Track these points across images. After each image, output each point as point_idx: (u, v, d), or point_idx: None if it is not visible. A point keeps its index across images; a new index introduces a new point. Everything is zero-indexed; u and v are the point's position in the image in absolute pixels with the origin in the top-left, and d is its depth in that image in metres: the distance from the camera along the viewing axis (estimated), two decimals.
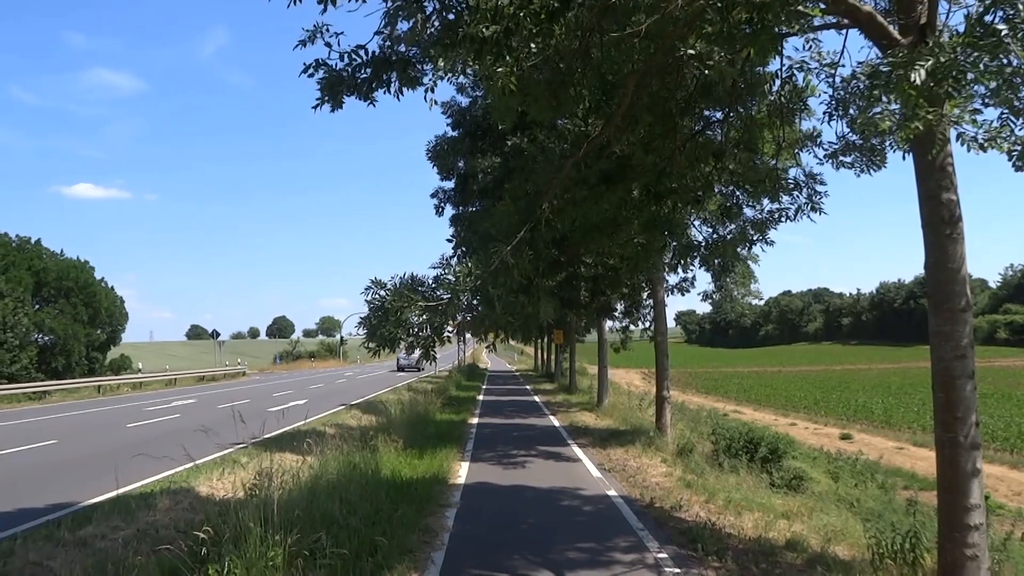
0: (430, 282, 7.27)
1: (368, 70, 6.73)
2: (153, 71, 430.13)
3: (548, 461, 14.61)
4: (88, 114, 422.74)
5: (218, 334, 69.94)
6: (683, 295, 20.58)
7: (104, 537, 8.31)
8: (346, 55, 6.72)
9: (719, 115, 9.10)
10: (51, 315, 40.99)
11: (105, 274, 56.96)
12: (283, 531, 6.26)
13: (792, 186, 9.05)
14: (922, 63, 4.26)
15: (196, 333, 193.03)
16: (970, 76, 4.42)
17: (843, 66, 7.28)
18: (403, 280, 7.20)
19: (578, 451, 15.87)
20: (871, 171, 8.09)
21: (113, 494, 9.81)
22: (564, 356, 42.45)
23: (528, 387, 42.62)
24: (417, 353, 7.80)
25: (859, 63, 6.89)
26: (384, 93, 7.01)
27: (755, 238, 10.41)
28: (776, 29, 6.10)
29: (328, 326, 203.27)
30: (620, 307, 25.96)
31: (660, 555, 7.76)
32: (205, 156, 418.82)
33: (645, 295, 23.22)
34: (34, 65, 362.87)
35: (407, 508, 9.19)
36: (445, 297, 7.12)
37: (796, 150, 9.20)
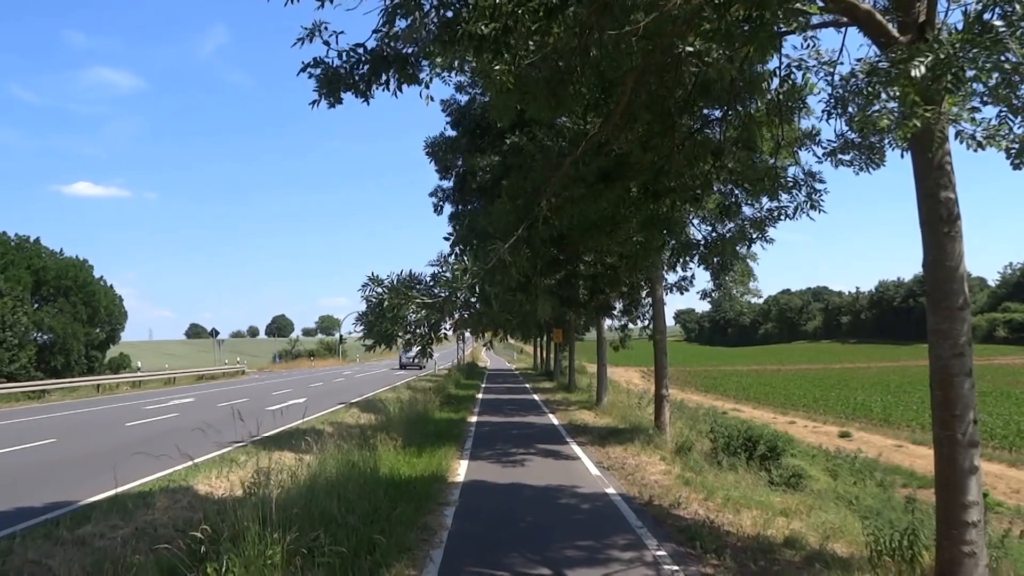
0: (428, 280, 7.26)
1: (366, 67, 6.72)
2: (153, 70, 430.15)
3: (547, 459, 14.61)
4: (88, 113, 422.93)
5: (217, 333, 70.01)
6: (682, 294, 20.64)
7: (103, 536, 8.31)
8: (344, 53, 6.72)
9: (718, 113, 9.10)
10: (50, 314, 40.96)
11: (104, 273, 57.09)
12: (281, 529, 6.26)
13: (791, 184, 9.05)
14: (921, 59, 4.26)
15: (195, 332, 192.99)
16: (969, 73, 4.42)
17: (842, 64, 7.28)
18: (401, 278, 7.19)
19: (577, 449, 15.87)
20: (870, 169, 8.08)
21: (112, 493, 9.81)
22: (563, 354, 42.45)
23: (527, 385, 42.64)
24: (415, 350, 7.79)
25: (858, 61, 6.90)
26: (383, 91, 7.01)
27: (754, 236, 10.40)
28: (774, 27, 6.09)
29: (327, 325, 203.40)
30: (619, 305, 25.97)
31: (659, 553, 7.76)
32: (205, 155, 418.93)
33: (644, 293, 23.21)
34: (34, 64, 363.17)
35: (406, 506, 9.19)
36: (442, 295, 7.12)
37: (795, 148, 9.19)
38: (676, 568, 7.21)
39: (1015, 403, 40.45)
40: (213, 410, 22.53)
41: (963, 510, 5.60)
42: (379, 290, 7.09)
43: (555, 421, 22.19)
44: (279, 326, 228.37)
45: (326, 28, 6.69)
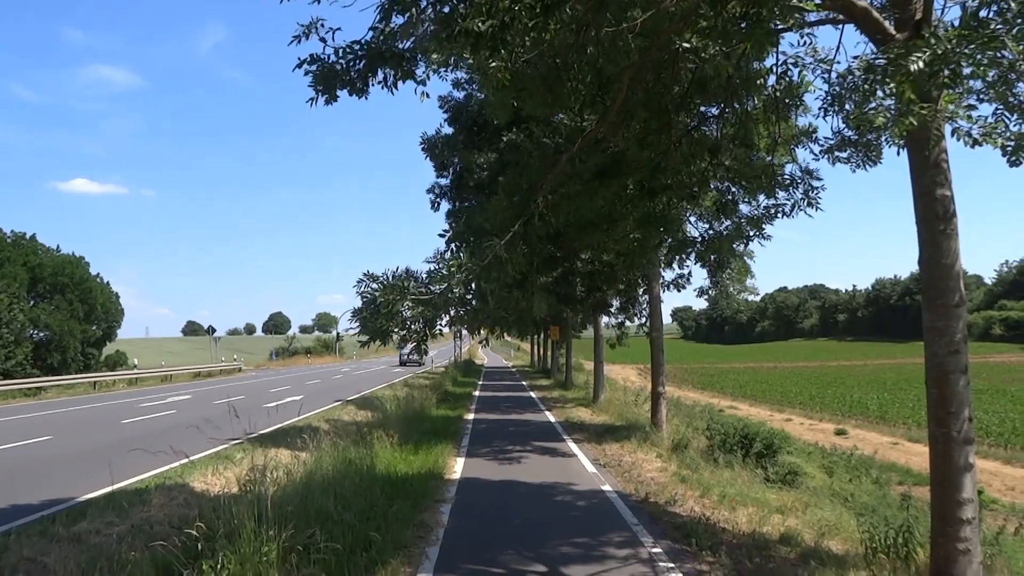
0: (423, 276, 7.26)
1: (362, 63, 6.71)
2: (151, 67, 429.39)
3: (543, 457, 14.62)
4: (85, 110, 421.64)
5: (214, 330, 69.99)
6: (679, 291, 20.65)
7: (98, 533, 8.30)
8: (340, 50, 6.71)
9: (715, 111, 9.08)
10: (46, 311, 40.94)
11: (101, 270, 57.04)
12: (277, 526, 6.26)
13: (788, 182, 9.05)
14: (919, 54, 4.26)
15: (192, 329, 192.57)
16: (967, 70, 4.42)
17: (839, 62, 7.28)
18: (396, 274, 7.19)
19: (573, 447, 15.88)
20: (867, 167, 8.10)
21: (108, 490, 9.81)
22: (560, 352, 42.47)
23: (524, 383, 42.64)
24: (409, 347, 7.79)
25: (854, 58, 6.90)
26: (381, 88, 7.00)
27: (751, 234, 10.41)
28: (771, 24, 6.09)
29: (324, 322, 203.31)
30: (616, 303, 26.00)
31: (654, 550, 7.77)
32: (203, 152, 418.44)
33: (641, 291, 23.22)
34: (32, 61, 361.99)
35: (402, 504, 9.19)
36: (437, 291, 7.12)
37: (792, 146, 9.19)
38: (672, 565, 7.22)
39: (1010, 401, 40.57)
40: (210, 407, 22.51)
41: (958, 507, 5.62)
42: (374, 286, 7.09)
43: (552, 418, 22.20)
44: (276, 323, 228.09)
45: (322, 25, 6.67)
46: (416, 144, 22.14)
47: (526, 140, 15.98)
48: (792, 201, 9.12)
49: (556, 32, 6.69)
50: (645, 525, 8.85)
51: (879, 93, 4.78)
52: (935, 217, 5.74)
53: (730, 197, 10.14)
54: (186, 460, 9.00)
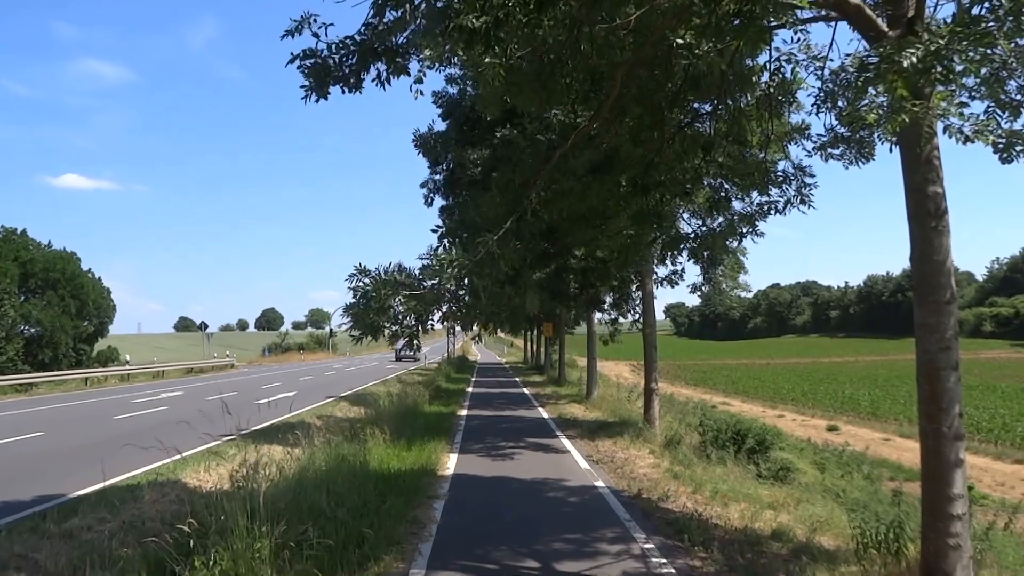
0: (416, 272, 7.25)
1: (355, 59, 6.69)
2: (143, 62, 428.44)
3: (537, 453, 14.63)
4: (77, 105, 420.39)
5: (206, 326, 69.69)
6: (672, 287, 20.66)
7: (90, 529, 8.28)
8: (333, 45, 6.69)
9: (708, 107, 9.09)
10: (38, 307, 40.73)
11: (93, 266, 56.65)
12: (270, 523, 6.25)
13: (781, 179, 9.07)
14: (912, 51, 4.27)
15: (184, 325, 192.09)
16: (959, 68, 4.43)
17: (832, 59, 7.30)
18: (388, 269, 7.17)
19: (566, 443, 15.90)
20: (859, 163, 8.13)
21: (99, 486, 9.78)
22: (553, 348, 42.50)
23: (517, 379, 42.66)
24: (401, 342, 7.77)
25: (847, 55, 6.92)
26: (374, 84, 6.98)
27: (744, 231, 10.43)
28: (764, 21, 6.09)
29: (317, 318, 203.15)
30: (609, 299, 26.01)
31: (647, 546, 7.79)
32: (196, 148, 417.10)
33: (634, 287, 23.25)
34: (23, 55, 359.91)
35: (395, 500, 9.19)
36: (429, 285, 7.11)
37: (785, 143, 9.21)
38: (664, 561, 7.24)
39: (1001, 397, 40.81)
40: (202, 403, 22.36)
41: (948, 503, 5.64)
42: (366, 280, 7.07)
43: (545, 415, 22.22)
44: (269, 320, 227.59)
45: (315, 20, 6.65)
46: (411, 140, 22.03)
47: (519, 136, 15.95)
48: (785, 198, 9.15)
49: (549, 28, 6.69)
50: (638, 521, 8.88)
51: (872, 90, 4.79)
52: (927, 214, 5.75)
53: (723, 194, 10.15)
54: (178, 456, 9.00)
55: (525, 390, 33.29)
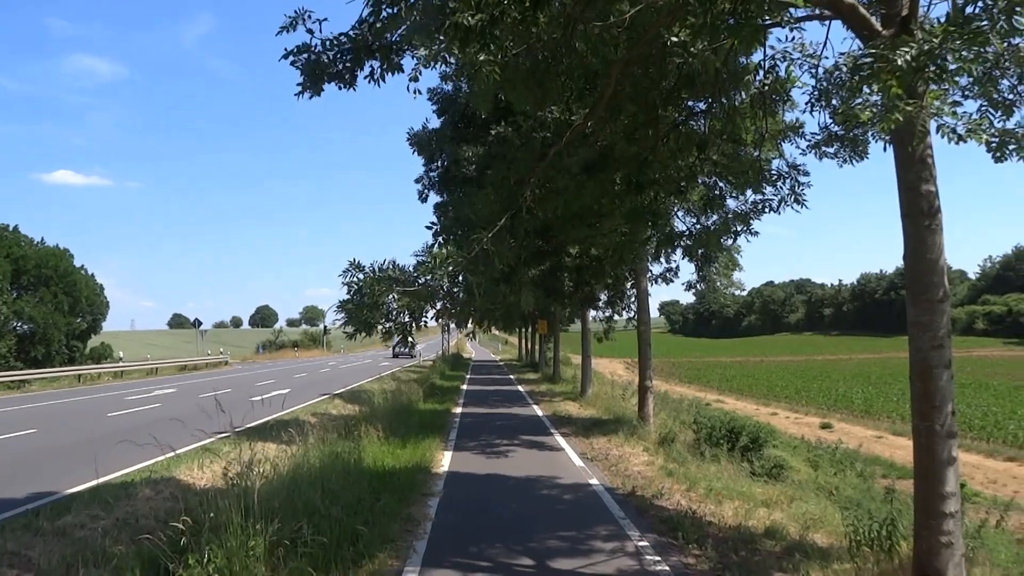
0: (411, 269, 7.25)
1: (349, 56, 6.68)
2: (136, 58, 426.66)
3: (531, 450, 14.64)
4: (69, 101, 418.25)
5: (200, 323, 69.44)
6: (667, 284, 20.64)
7: (83, 526, 8.25)
8: (327, 42, 6.68)
9: (702, 105, 9.10)
10: (30, 303, 40.58)
11: (86, 262, 56.45)
12: (264, 520, 6.24)
13: (775, 177, 9.08)
14: (906, 49, 4.28)
15: (178, 322, 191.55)
16: (952, 67, 4.44)
17: (826, 57, 7.31)
18: (383, 266, 7.17)
19: (561, 440, 15.91)
20: (853, 162, 8.15)
21: (93, 483, 9.75)
22: (548, 346, 42.50)
23: (512, 377, 42.68)
24: (396, 339, 7.77)
25: (841, 54, 6.93)
26: (368, 81, 6.97)
27: (739, 229, 10.43)
28: (759, 20, 6.10)
29: (312, 315, 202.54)
30: (604, 297, 26.02)
31: (641, 543, 7.81)
32: (189, 144, 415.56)
33: (629, 285, 23.25)
34: (14, 51, 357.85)
35: (389, 497, 9.19)
36: (424, 281, 7.11)
37: (779, 141, 9.22)
38: (658, 558, 7.26)
39: (993, 394, 41.00)
40: (196, 400, 22.38)
41: (941, 500, 5.66)
42: (360, 276, 7.07)
43: (539, 412, 22.23)
44: (263, 316, 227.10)
45: (310, 16, 6.64)
46: (406, 137, 21.99)
47: (514, 134, 15.94)
48: (779, 196, 9.16)
49: (544, 26, 6.69)
50: (632, 518, 8.90)
51: (866, 89, 4.80)
52: (920, 212, 5.77)
53: (717, 192, 10.15)
54: (172, 454, 8.95)
55: (520, 387, 33.31)
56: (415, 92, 7.06)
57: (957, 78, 4.64)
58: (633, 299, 22.97)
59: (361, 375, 39.50)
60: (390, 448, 13.21)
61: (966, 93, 5.23)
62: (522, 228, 8.04)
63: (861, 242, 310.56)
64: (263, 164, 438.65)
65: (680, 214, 12.25)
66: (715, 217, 10.72)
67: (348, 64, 6.83)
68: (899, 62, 4.25)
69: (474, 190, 17.34)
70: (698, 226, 11.31)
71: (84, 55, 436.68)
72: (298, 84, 6.87)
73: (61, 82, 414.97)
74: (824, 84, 7.44)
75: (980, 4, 4.34)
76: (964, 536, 6.02)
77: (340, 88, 6.94)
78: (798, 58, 7.46)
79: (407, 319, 7.39)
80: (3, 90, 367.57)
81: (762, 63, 7.82)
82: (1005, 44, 4.37)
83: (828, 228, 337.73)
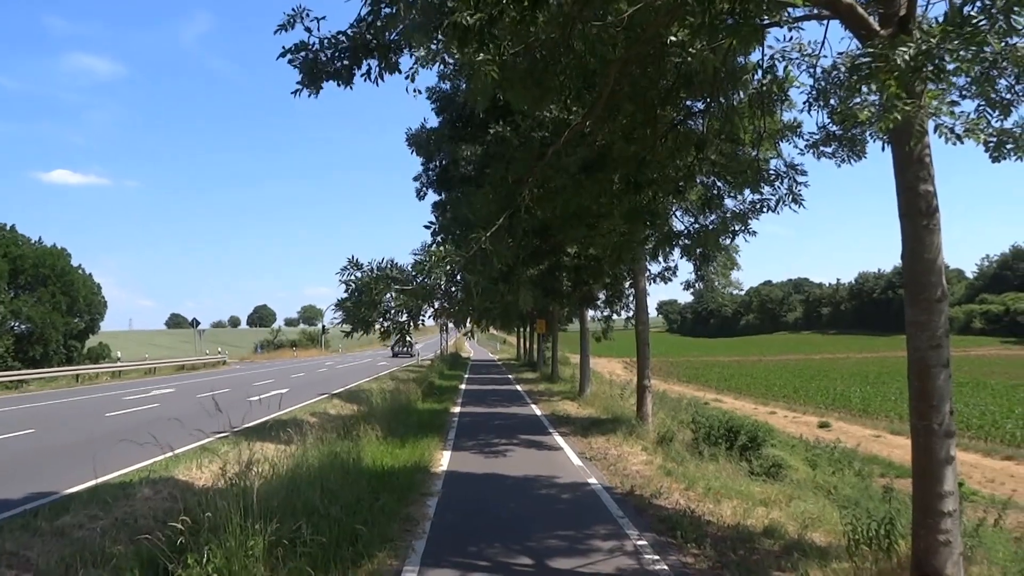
0: (409, 268, 7.24)
1: (347, 55, 6.69)
2: (134, 56, 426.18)
3: (530, 450, 14.65)
4: (67, 99, 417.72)
5: (198, 323, 69.46)
6: (665, 283, 20.68)
7: (82, 526, 8.25)
8: (325, 40, 6.68)
9: (700, 105, 9.11)
10: (28, 303, 40.49)
11: (83, 261, 56.55)
12: (263, 520, 6.24)
13: (773, 177, 9.09)
14: (904, 49, 4.28)
15: (176, 322, 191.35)
16: (950, 67, 4.45)
17: (824, 57, 7.31)
18: (381, 264, 7.16)
19: (560, 440, 15.92)
20: (851, 161, 8.16)
21: (91, 483, 9.75)
22: (546, 345, 42.49)
23: (510, 376, 42.67)
24: (394, 339, 7.75)
25: (839, 54, 6.94)
26: (364, 80, 6.98)
27: (737, 228, 10.43)
28: (758, 19, 6.10)
29: (310, 315, 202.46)
30: (602, 296, 26.04)
31: (639, 542, 7.82)
32: (187, 143, 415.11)
33: (627, 284, 23.26)
34: (12, 49, 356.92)
35: (388, 497, 9.20)
36: (420, 279, 7.10)
37: (777, 140, 9.22)
38: (656, 557, 7.27)
39: (990, 394, 41.04)
40: (194, 400, 22.38)
41: (939, 499, 5.67)
42: (358, 274, 7.07)
43: (538, 412, 22.24)
44: (261, 316, 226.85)
45: (308, 14, 6.64)
46: (405, 136, 21.97)
47: (512, 133, 15.94)
48: (777, 196, 9.17)
49: (543, 25, 6.69)
50: (630, 518, 8.91)
51: (864, 88, 4.80)
52: (918, 212, 5.78)
53: (716, 191, 10.15)
54: (170, 453, 8.95)
55: (518, 387, 33.31)
56: (414, 92, 7.08)
57: (955, 78, 4.65)
58: (631, 298, 22.99)
59: (359, 375, 39.49)
60: (389, 448, 13.22)
61: (964, 93, 5.25)
62: (520, 227, 8.05)
63: (859, 241, 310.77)
64: (262, 163, 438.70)
65: (678, 214, 12.25)
66: (713, 216, 10.72)
67: (346, 63, 6.83)
68: (898, 62, 4.26)
69: (472, 189, 17.33)
70: (696, 225, 11.30)
71: (82, 54, 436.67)
72: (297, 83, 6.87)
73: (59, 81, 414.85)
74: (822, 84, 7.44)
75: (979, 3, 4.35)
76: (962, 535, 6.03)
77: (339, 85, 6.94)
78: (796, 58, 7.46)
79: (405, 318, 7.38)
80: (1, 88, 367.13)
81: (760, 63, 7.82)
82: (1003, 44, 4.38)
83: (826, 227, 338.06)
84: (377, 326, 7.50)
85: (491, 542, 7.83)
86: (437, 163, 22.23)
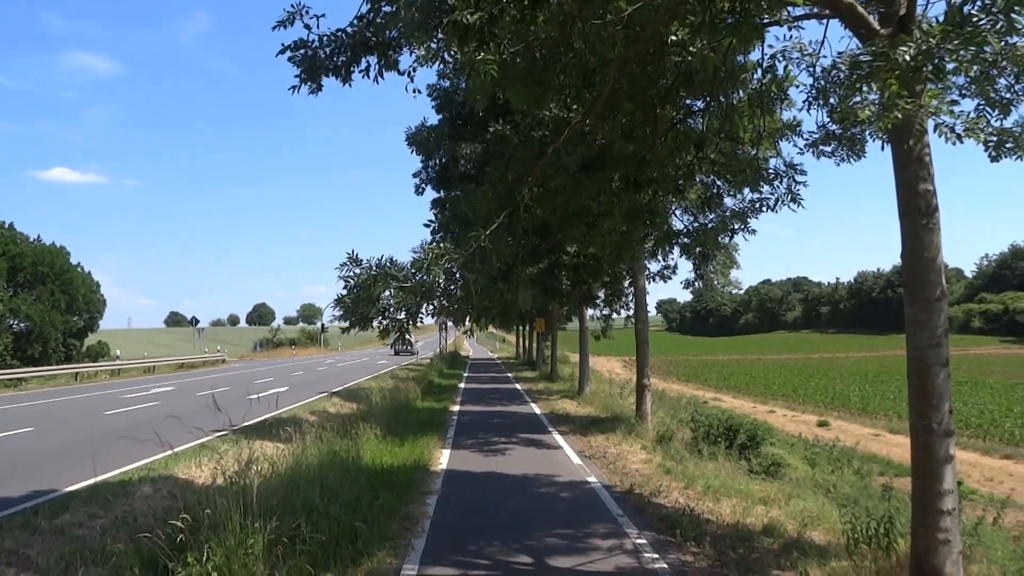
0: (408, 266, 7.24)
1: (347, 53, 6.68)
2: (133, 55, 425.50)
3: (529, 448, 14.66)
4: (65, 97, 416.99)
5: (197, 321, 69.61)
6: (665, 282, 20.69)
7: (82, 525, 8.24)
8: (324, 38, 6.68)
9: (700, 104, 9.11)
10: (27, 301, 40.42)
11: (82, 260, 56.53)
12: (262, 518, 6.24)
13: (772, 176, 9.10)
14: (905, 48, 4.28)
15: (175, 320, 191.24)
16: (950, 66, 4.45)
17: (824, 56, 7.31)
18: (380, 262, 7.16)
19: (559, 438, 15.93)
20: (851, 160, 8.15)
21: (91, 482, 9.75)
22: (546, 344, 42.49)
23: (510, 375, 42.68)
24: (393, 337, 7.74)
25: (839, 53, 6.94)
26: (363, 77, 6.97)
27: (736, 227, 10.44)
28: (758, 18, 6.10)
29: (309, 313, 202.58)
30: (601, 295, 26.04)
31: (639, 541, 7.82)
32: (186, 142, 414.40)
33: (627, 283, 23.26)
34: (10, 47, 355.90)
35: (388, 495, 9.20)
36: (419, 277, 7.10)
37: (776, 139, 9.23)
38: (656, 556, 7.27)
39: (989, 392, 41.09)
40: (193, 399, 22.39)
41: (938, 498, 5.68)
42: (357, 270, 7.06)
43: (537, 410, 22.25)
44: (260, 314, 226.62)
45: (307, 11, 6.64)
46: (404, 134, 21.96)
47: (512, 132, 15.93)
48: (776, 195, 9.18)
49: (543, 24, 6.68)
50: (630, 516, 8.91)
51: (864, 87, 4.80)
52: (917, 211, 5.78)
53: (715, 190, 10.16)
54: (170, 452, 8.96)
55: (517, 386, 33.32)
56: (414, 91, 7.07)
57: (954, 77, 4.65)
58: (631, 297, 22.99)
59: (359, 373, 39.50)
60: (388, 446, 13.22)
61: (963, 92, 5.24)
62: (520, 226, 8.04)
63: (858, 240, 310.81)
64: (261, 162, 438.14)
65: (678, 212, 12.25)
66: (713, 215, 10.73)
67: (345, 60, 6.83)
68: (900, 61, 4.26)
69: (472, 188, 17.33)
70: (696, 224, 11.32)
71: (81, 52, 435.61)
72: (295, 76, 6.86)
73: (58, 79, 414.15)
74: (822, 83, 7.44)
75: (979, 2, 4.35)
76: (961, 533, 6.04)
77: (337, 79, 6.94)
78: (796, 57, 7.46)
79: (403, 316, 7.37)
80: (0, 87, 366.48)
81: (760, 62, 7.82)
82: (1003, 43, 4.38)
83: (825, 226, 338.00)
84: (376, 323, 7.49)
85: (490, 540, 7.83)
86: (437, 161, 22.23)
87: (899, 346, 6.76)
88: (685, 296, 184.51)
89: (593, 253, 18.16)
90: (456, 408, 22.61)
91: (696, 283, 16.89)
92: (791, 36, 7.36)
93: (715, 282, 20.66)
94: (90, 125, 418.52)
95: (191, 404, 19.83)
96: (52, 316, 41.31)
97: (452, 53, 6.61)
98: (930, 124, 5.06)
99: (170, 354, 61.34)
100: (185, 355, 56.55)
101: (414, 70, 6.96)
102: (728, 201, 10.41)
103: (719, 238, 10.99)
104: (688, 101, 9.19)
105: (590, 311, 28.62)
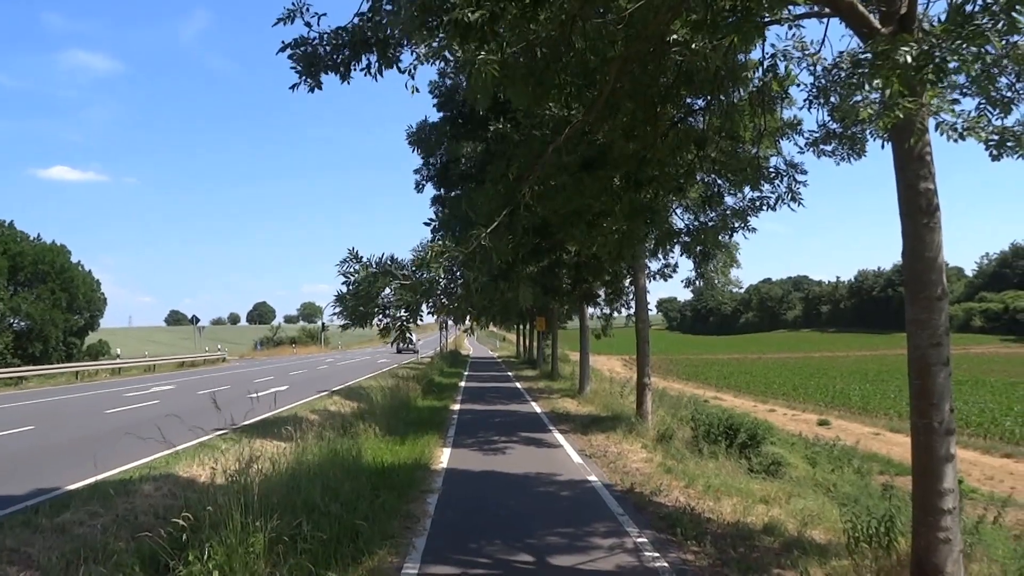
0: (409, 264, 7.23)
1: (347, 50, 6.68)
2: (133, 54, 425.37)
3: (529, 447, 14.66)
4: (65, 96, 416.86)
5: (197, 320, 69.58)
6: (665, 281, 20.70)
7: (82, 523, 8.24)
8: (325, 35, 6.67)
9: (701, 103, 9.10)
10: (27, 300, 40.44)
11: (83, 258, 56.58)
12: (263, 517, 6.24)
13: (773, 175, 9.10)
14: (907, 48, 4.28)
15: (176, 319, 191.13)
16: (952, 65, 4.45)
17: (824, 56, 7.31)
18: (380, 260, 7.16)
19: (559, 437, 15.93)
20: (851, 159, 8.16)
21: (92, 480, 9.76)
22: (546, 343, 42.49)
23: (510, 373, 42.68)
24: (393, 335, 7.74)
25: (840, 53, 6.94)
26: (364, 75, 6.97)
27: (736, 226, 10.44)
28: (759, 17, 6.09)
29: (309, 312, 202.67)
30: (602, 294, 26.05)
31: (640, 540, 7.83)
32: (186, 140, 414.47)
33: (627, 282, 23.26)
34: (10, 46, 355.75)
35: (388, 494, 9.20)
36: (418, 275, 7.09)
37: (777, 138, 9.23)
38: (657, 555, 7.28)
39: (990, 391, 41.09)
40: (194, 397, 22.41)
41: (939, 497, 5.68)
42: (357, 267, 7.06)
43: (538, 409, 22.25)
44: (260, 313, 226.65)
45: (307, 9, 6.64)
46: (404, 132, 21.97)
47: (512, 131, 15.93)
48: (777, 194, 9.18)
49: (544, 23, 6.68)
50: (630, 515, 8.92)
51: (866, 86, 4.80)
52: (918, 210, 5.78)
53: (716, 189, 10.16)
54: (171, 450, 8.97)
55: (518, 384, 33.32)
56: (413, 89, 7.06)
57: (956, 76, 4.65)
58: (631, 296, 22.98)
59: (359, 372, 39.51)
60: (389, 445, 13.23)
61: (964, 91, 5.24)
62: (520, 225, 8.03)
63: (858, 239, 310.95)
64: (261, 160, 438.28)
65: (679, 211, 12.25)
66: (713, 214, 10.74)
67: (345, 58, 6.83)
68: (901, 60, 4.26)
69: (472, 186, 17.34)
70: (696, 223, 11.32)
71: (81, 51, 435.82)
72: (293, 70, 6.86)
73: (58, 78, 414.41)
74: (822, 82, 7.44)
75: (980, 2, 4.34)
76: (962, 532, 6.04)
77: (336, 75, 6.93)
78: (797, 56, 7.46)
79: (404, 313, 7.36)
80: (0, 86, 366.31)
81: (761, 61, 7.81)
82: (1004, 42, 4.37)
83: (826, 225, 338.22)
84: (376, 321, 7.49)
85: (491, 539, 7.83)
86: (437, 159, 22.23)
87: (900, 345, 6.76)
88: (686, 295, 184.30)
89: (594, 252, 18.17)
90: (457, 407, 22.61)
91: (697, 282, 16.92)
92: (792, 35, 7.37)
93: (716, 281, 20.68)
94: (90, 124, 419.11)
95: (192, 403, 19.85)
96: (53, 315, 41.32)
97: (453, 52, 6.61)
98: (931, 123, 5.07)
99: (170, 353, 61.41)
100: (185, 354, 56.59)
101: (414, 68, 6.95)
102: (729, 200, 10.42)
103: (719, 237, 11.00)
104: (689, 100, 9.19)
105: (591, 310, 28.62)
